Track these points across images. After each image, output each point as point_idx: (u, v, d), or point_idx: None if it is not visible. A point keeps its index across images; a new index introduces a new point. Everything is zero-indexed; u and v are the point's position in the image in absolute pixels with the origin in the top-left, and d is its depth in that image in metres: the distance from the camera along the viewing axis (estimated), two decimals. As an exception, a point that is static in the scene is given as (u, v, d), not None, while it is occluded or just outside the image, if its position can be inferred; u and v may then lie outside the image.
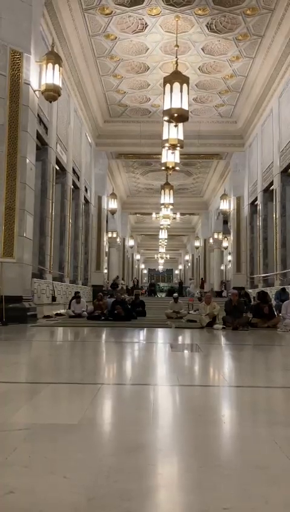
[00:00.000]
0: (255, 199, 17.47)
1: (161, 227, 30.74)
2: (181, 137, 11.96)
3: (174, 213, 24.57)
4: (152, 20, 11.77)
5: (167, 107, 10.68)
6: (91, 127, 17.89)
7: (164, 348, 6.29)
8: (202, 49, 13.22)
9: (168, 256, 52.36)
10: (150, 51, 13.35)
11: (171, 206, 20.97)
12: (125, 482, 1.58)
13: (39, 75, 9.69)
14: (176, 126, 11.39)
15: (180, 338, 7.88)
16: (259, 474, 1.69)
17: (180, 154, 14.89)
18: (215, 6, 11.17)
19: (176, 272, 61.63)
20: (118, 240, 27.37)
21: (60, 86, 9.77)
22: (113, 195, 22.34)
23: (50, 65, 9.59)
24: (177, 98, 10.55)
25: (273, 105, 14.91)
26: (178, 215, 29.10)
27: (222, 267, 28.55)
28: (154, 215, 27.60)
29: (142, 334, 8.27)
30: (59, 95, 9.84)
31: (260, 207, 16.84)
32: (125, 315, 10.96)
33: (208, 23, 11.89)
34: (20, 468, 1.71)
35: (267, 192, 16.03)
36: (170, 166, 14.38)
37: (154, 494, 1.55)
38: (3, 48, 8.94)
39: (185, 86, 10.65)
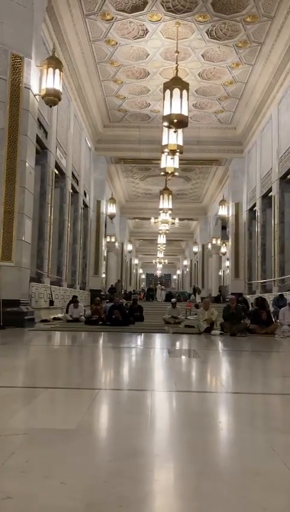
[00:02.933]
0: (254, 205, 17.51)
1: (160, 232, 30.75)
2: (180, 142, 11.99)
3: (172, 218, 24.59)
4: (153, 26, 11.83)
5: (166, 112, 10.71)
6: (91, 131, 17.94)
7: (162, 353, 6.28)
8: (202, 56, 13.29)
9: (166, 261, 52.36)
10: (150, 57, 13.41)
11: (169, 211, 20.99)
12: (123, 488, 1.58)
13: (40, 80, 9.72)
14: (175, 132, 11.42)
15: (178, 343, 7.88)
16: (257, 481, 1.69)
17: (180, 160, 14.92)
18: (216, 14, 11.24)
19: (174, 277, 61.60)
20: (116, 244, 27.36)
21: (60, 90, 9.79)
22: (112, 200, 22.36)
23: (50, 70, 9.62)
24: (177, 104, 10.59)
25: (272, 112, 14.98)
26: (177, 221, 29.10)
27: (220, 273, 28.54)
28: (153, 220, 27.61)
29: (139, 339, 8.25)
30: (59, 100, 9.86)
31: (258, 213, 16.87)
32: (123, 320, 10.94)
33: (208, 30, 11.96)
34: (17, 474, 1.71)
35: (266, 198, 16.07)
36: (169, 172, 14.40)
37: (152, 500, 1.55)
38: (4, 52, 8.97)
39: (185, 91, 10.68)
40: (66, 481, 1.63)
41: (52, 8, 10.88)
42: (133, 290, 33.71)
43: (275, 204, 14.57)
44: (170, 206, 20.36)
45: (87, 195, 18.28)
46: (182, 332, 9.74)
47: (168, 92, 10.72)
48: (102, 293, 19.24)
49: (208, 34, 12.14)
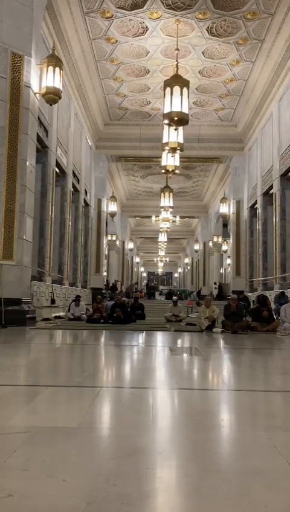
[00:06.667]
0: (255, 203, 17.48)
1: (161, 230, 30.72)
2: (181, 140, 11.97)
3: (173, 216, 24.59)
4: (153, 23, 11.80)
5: (167, 110, 10.69)
6: (91, 129, 17.91)
7: (163, 351, 6.28)
8: (203, 53, 13.26)
9: (167, 259, 52.35)
10: (150, 55, 13.39)
11: (170, 209, 20.97)
12: (124, 486, 1.57)
13: (40, 78, 9.71)
14: (176, 129, 11.39)
15: (179, 341, 7.87)
16: (259, 479, 1.68)
17: (180, 158, 14.91)
18: (216, 11, 11.21)
19: (176, 275, 61.59)
20: (117, 242, 27.35)
21: (61, 88, 9.78)
22: (113, 198, 22.35)
23: (51, 68, 9.61)
24: (177, 102, 10.56)
25: (273, 109, 14.95)
26: (178, 219, 29.11)
27: (221, 271, 28.53)
28: (153, 218, 27.58)
29: (141, 337, 8.25)
30: (59, 98, 9.85)
31: (259, 210, 16.85)
32: (124, 318, 10.95)
33: (208, 27, 11.92)
34: (19, 472, 1.71)
35: (267, 195, 16.04)
36: (170, 170, 14.38)
37: (153, 498, 1.55)
38: (5, 50, 8.95)
39: (185, 89, 10.66)
40: (68, 479, 1.63)
41: (52, 6, 10.86)
42: (136, 288, 33.69)
43: (276, 201, 14.55)
44: (171, 204, 20.34)
45: (88, 193, 18.27)
46: (183, 330, 9.74)
47: (168, 89, 10.70)
48: (103, 291, 19.25)
49: (208, 31, 12.10)
